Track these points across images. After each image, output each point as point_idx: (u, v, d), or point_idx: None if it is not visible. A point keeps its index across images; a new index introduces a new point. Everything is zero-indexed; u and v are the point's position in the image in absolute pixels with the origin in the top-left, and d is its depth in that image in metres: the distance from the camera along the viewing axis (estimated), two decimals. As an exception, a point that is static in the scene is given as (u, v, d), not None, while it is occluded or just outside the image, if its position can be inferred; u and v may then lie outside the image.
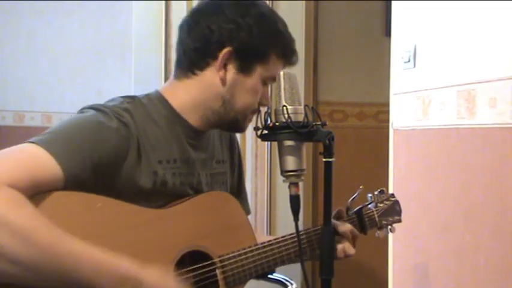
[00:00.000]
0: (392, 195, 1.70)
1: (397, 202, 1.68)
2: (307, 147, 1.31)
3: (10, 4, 3.58)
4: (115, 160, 1.28)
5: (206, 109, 1.41)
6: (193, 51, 1.40)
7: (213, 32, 1.37)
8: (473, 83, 1.82)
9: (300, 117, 1.28)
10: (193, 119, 1.42)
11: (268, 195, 3.20)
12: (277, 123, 1.28)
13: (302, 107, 1.29)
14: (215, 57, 1.37)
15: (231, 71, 1.38)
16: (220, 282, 1.37)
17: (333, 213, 1.58)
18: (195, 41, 1.39)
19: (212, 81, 1.39)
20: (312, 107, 1.32)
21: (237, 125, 1.44)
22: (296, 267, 1.55)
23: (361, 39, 3.61)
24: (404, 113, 2.19)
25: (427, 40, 2.08)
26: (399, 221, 1.68)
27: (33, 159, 1.19)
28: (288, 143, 1.28)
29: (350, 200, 1.58)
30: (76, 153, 1.23)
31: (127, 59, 3.27)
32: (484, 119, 1.77)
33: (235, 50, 1.37)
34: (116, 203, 1.28)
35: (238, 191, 1.65)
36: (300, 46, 3.25)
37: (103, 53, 3.49)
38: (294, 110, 1.28)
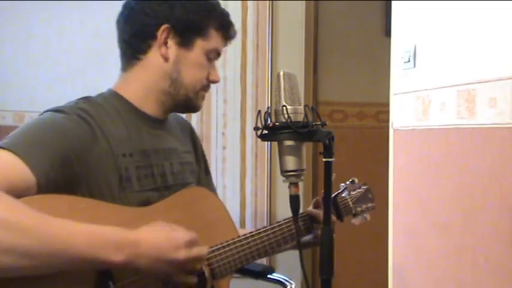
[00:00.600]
0: (364, 183, 1.74)
1: (368, 190, 1.75)
2: (307, 147, 1.31)
3: (10, 4, 3.58)
4: (80, 152, 1.30)
5: (158, 92, 1.46)
6: (133, 37, 1.47)
7: (148, 14, 1.45)
8: (473, 83, 1.82)
9: (300, 117, 1.28)
10: (149, 108, 1.47)
11: (268, 195, 3.20)
12: (277, 123, 1.28)
13: (302, 107, 1.29)
14: (154, 37, 1.44)
15: (172, 48, 1.44)
16: (207, 274, 1.39)
17: (311, 203, 1.62)
18: (133, 27, 1.47)
19: (156, 61, 1.45)
20: (312, 107, 1.32)
21: (190, 103, 1.49)
22: (296, 268, 1.55)
23: (361, 39, 3.61)
24: (404, 113, 2.19)
25: (427, 40, 2.08)
26: (373, 207, 1.75)
27: (3, 164, 1.20)
28: (288, 143, 1.28)
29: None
30: (43, 152, 1.25)
31: (127, 59, 3.27)
32: (484, 119, 1.77)
33: (173, 26, 1.43)
34: (98, 203, 1.30)
35: (206, 184, 1.69)
36: (300, 46, 3.30)
37: (103, 53, 3.49)
38: (293, 110, 1.28)
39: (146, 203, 1.40)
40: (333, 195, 1.65)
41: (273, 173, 3.19)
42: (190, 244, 1.28)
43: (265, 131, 1.30)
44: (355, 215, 1.70)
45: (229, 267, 1.44)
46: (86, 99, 1.43)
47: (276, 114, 1.29)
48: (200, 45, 1.46)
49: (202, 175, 1.68)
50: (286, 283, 1.79)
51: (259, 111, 1.33)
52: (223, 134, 3.15)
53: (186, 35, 1.44)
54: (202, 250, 1.31)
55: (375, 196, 1.78)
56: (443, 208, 1.98)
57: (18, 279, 1.14)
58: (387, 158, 2.30)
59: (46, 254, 1.13)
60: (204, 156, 1.73)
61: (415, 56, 2.13)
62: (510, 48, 1.69)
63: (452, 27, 1.95)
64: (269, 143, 3.02)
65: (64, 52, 3.59)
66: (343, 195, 1.69)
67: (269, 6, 3.15)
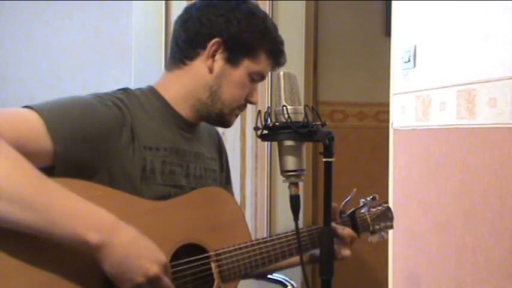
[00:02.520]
0: (385, 202, 1.72)
1: (389, 208, 1.71)
2: (307, 147, 1.31)
3: (10, 4, 3.58)
4: (107, 137, 1.30)
5: (195, 99, 1.46)
6: (185, 42, 1.46)
7: (203, 24, 1.44)
8: (473, 83, 1.82)
9: (300, 117, 1.28)
10: (184, 111, 1.47)
11: (268, 195, 3.20)
12: (277, 123, 1.28)
13: (302, 107, 1.29)
14: (204, 47, 1.44)
15: (219, 62, 1.44)
16: (215, 276, 1.38)
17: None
18: (187, 32, 1.46)
19: (201, 71, 1.45)
20: (312, 107, 1.32)
21: (223, 118, 1.48)
22: (296, 268, 1.55)
23: (361, 39, 3.61)
24: (404, 113, 2.19)
25: (427, 40, 2.08)
26: (391, 227, 1.71)
27: (24, 121, 1.21)
28: (288, 143, 1.28)
29: (343, 202, 1.60)
30: (68, 123, 1.25)
31: (127, 59, 3.27)
32: (484, 119, 1.77)
33: (224, 42, 1.43)
34: (115, 192, 1.29)
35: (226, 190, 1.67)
36: (300, 46, 3.31)
37: (103, 53, 3.49)
38: (294, 110, 1.28)
39: (166, 198, 1.40)
40: (353, 209, 1.63)
41: (273, 173, 3.19)
42: (166, 269, 1.23)
43: (265, 131, 1.30)
44: (372, 233, 1.66)
45: (238, 271, 1.42)
46: (124, 90, 1.44)
47: (276, 114, 1.29)
48: (246, 66, 1.45)
49: (223, 183, 1.68)
50: (286, 283, 1.79)
51: (259, 111, 1.33)
52: (223, 134, 3.15)
53: (235, 53, 1.44)
54: (171, 285, 1.24)
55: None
56: (444, 208, 1.98)
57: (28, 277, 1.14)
58: (387, 158, 2.30)
59: (32, 206, 1.12)
60: (227, 165, 1.72)
61: (415, 56, 2.13)
62: (510, 48, 1.69)
63: (452, 27, 1.95)
64: (269, 143, 3.02)
65: (64, 52, 3.60)
66: (362, 211, 1.66)
67: (269, 6, 3.15)
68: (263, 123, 1.30)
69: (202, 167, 1.53)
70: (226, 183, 1.70)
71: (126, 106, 1.37)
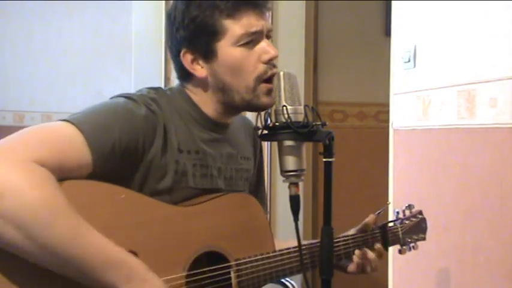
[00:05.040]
0: (420, 212, 1.67)
1: (424, 220, 1.67)
2: (307, 147, 1.31)
3: (10, 4, 3.58)
4: (143, 145, 1.30)
5: (216, 103, 1.43)
6: (176, 71, 1.46)
7: (171, 49, 1.43)
8: (473, 83, 1.82)
9: (300, 117, 1.28)
10: (212, 113, 1.44)
11: (268, 195, 3.20)
12: (277, 123, 1.28)
13: (302, 107, 1.29)
14: (186, 67, 1.41)
15: (202, 64, 1.39)
16: (234, 286, 1.35)
17: (360, 225, 1.58)
18: (172, 62, 1.46)
19: (200, 84, 1.42)
20: (312, 107, 1.32)
21: (250, 105, 1.41)
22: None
23: (361, 39, 3.61)
24: (404, 113, 2.19)
25: (427, 40, 2.08)
26: (423, 239, 1.67)
27: (64, 138, 1.21)
28: (288, 143, 1.28)
29: (375, 214, 1.57)
30: (106, 134, 1.24)
31: (127, 59, 3.28)
32: (484, 119, 1.77)
33: (187, 47, 1.38)
34: (139, 196, 1.29)
35: (255, 190, 1.64)
36: (300, 46, 3.30)
37: (103, 53, 3.50)
38: (294, 110, 1.27)
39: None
40: (384, 223, 1.59)
41: (273, 173, 3.19)
42: None
43: (265, 131, 1.30)
44: (402, 245, 1.63)
45: (258, 282, 1.39)
46: (156, 89, 1.42)
47: (276, 114, 1.29)
48: (223, 46, 1.37)
49: (253, 183, 1.63)
50: (287, 283, 1.78)
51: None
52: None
53: (203, 47, 1.38)
54: None
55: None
56: (443, 208, 1.98)
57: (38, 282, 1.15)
58: (387, 158, 2.30)
59: (65, 256, 1.13)
60: (261, 164, 1.66)
61: (415, 56, 2.13)
62: (510, 48, 1.69)
63: (452, 27, 1.95)
64: (269, 143, 3.02)
65: (64, 52, 3.60)
66: (394, 223, 1.62)
67: (269, 6, 3.15)
68: (263, 123, 1.30)
69: (233, 168, 1.49)
70: (258, 185, 1.66)
71: (160, 107, 1.35)
